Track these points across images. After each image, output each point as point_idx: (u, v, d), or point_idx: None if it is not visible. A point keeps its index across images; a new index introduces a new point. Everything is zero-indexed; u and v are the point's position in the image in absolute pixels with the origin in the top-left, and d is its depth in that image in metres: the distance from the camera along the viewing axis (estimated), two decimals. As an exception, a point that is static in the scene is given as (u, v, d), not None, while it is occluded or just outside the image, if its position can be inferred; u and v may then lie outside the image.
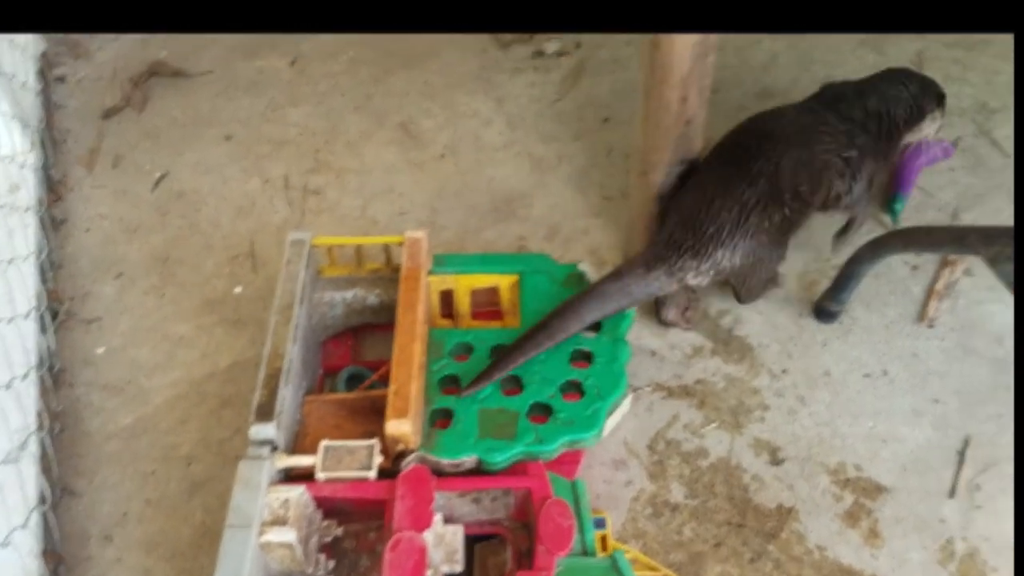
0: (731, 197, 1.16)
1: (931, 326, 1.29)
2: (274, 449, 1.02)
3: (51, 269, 1.41)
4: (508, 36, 1.75)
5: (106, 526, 1.16)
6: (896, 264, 1.37)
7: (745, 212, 1.15)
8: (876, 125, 1.24)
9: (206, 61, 1.77)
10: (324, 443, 1.03)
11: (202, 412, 1.26)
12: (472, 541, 1.05)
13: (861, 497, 1.14)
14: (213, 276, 1.42)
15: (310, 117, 1.66)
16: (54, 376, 1.28)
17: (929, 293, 1.32)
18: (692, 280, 1.18)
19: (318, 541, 1.02)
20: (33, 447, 1.14)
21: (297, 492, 0.98)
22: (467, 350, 1.15)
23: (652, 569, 1.08)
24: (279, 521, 0.96)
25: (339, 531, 1.04)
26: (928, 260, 1.37)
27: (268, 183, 1.55)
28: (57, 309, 1.37)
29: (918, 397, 1.23)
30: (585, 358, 1.14)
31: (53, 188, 1.54)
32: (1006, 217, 1.41)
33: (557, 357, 1.13)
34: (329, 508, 1.04)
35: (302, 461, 1.02)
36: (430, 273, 1.21)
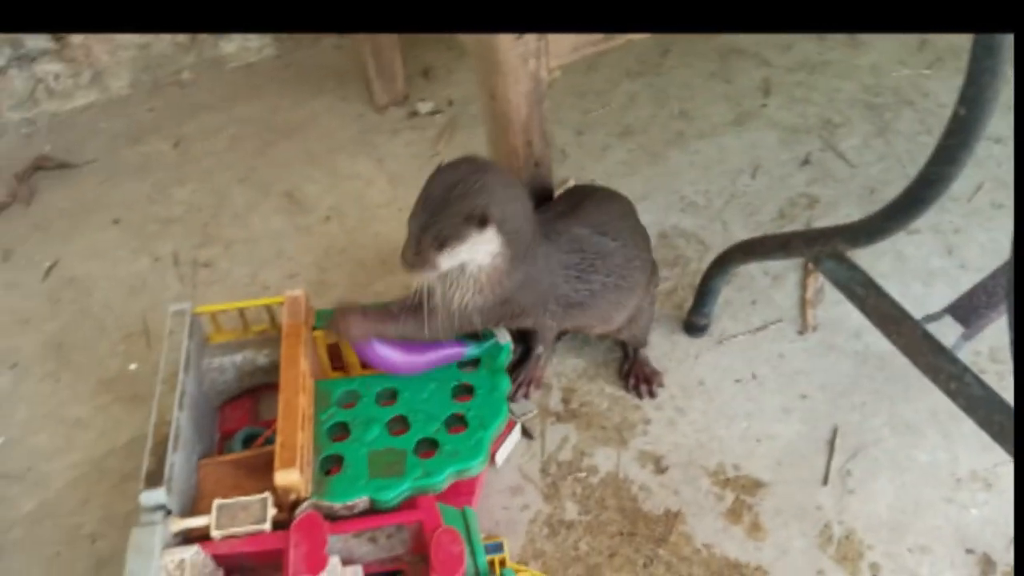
0: None
1: (815, 330, 1.38)
2: (168, 514, 1.05)
3: (-58, 367, 1.41)
4: (383, 99, 1.83)
5: (11, 614, 1.16)
6: (757, 276, 1.47)
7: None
8: None
9: (90, 151, 1.81)
10: (217, 502, 1.06)
11: (104, 489, 1.27)
12: (377, 581, 1.09)
13: (741, 494, 1.21)
14: (107, 356, 1.44)
15: (196, 194, 1.70)
16: (-50, 472, 1.29)
17: (803, 303, 1.42)
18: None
19: (220, 598, 1.05)
20: (-70, 544, 1.14)
21: (192, 552, 1.00)
22: (354, 397, 1.20)
23: (550, 586, 1.13)
24: (176, 582, 0.99)
25: (241, 586, 1.07)
26: (787, 269, 1.47)
27: (158, 261, 1.58)
28: (-50, 406, 1.37)
29: (786, 395, 1.31)
30: (467, 391, 1.20)
31: (-59, 288, 1.55)
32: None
33: (440, 393, 1.19)
34: (230, 565, 1.07)
35: (194, 522, 1.05)
36: (315, 328, 1.26)
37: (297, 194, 1.69)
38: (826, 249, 1.03)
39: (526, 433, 1.29)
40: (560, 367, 1.37)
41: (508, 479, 1.25)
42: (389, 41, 1.76)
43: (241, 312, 1.28)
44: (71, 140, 1.83)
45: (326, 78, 1.93)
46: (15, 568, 1.20)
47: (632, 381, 1.33)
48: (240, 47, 1.98)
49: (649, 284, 1.28)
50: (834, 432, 1.27)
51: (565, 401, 1.33)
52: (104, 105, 1.91)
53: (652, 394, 1.32)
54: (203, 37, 1.94)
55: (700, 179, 1.64)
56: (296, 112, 1.86)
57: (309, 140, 1.80)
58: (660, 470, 1.24)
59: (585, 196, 1.24)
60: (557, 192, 1.31)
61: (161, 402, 1.12)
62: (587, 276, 1.18)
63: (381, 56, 1.77)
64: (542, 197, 1.27)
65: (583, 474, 1.25)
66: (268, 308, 1.28)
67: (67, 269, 1.59)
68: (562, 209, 1.21)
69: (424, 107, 1.84)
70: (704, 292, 1.32)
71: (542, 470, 1.26)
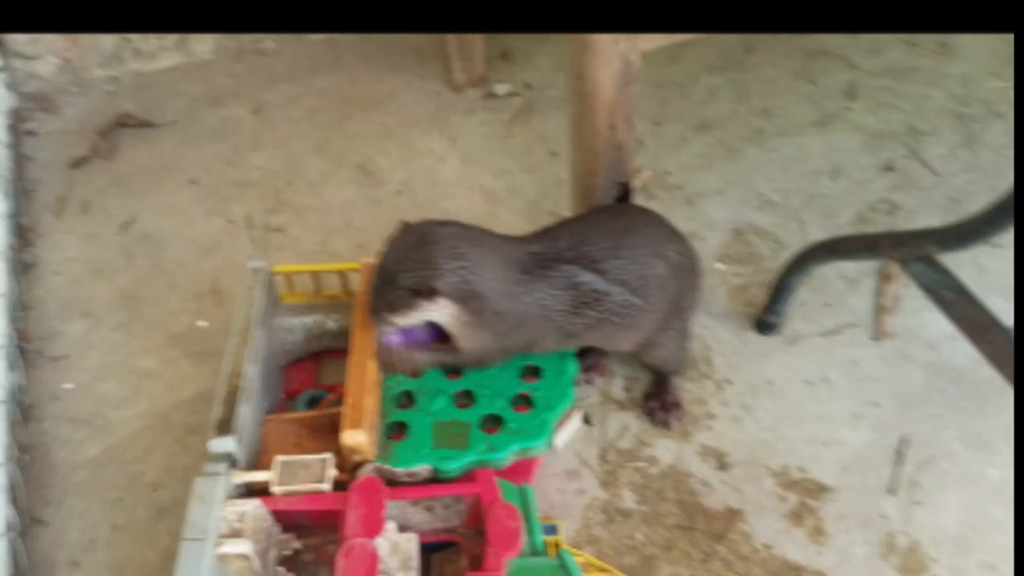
0: None
1: (889, 338, 1.35)
2: (233, 464, 1.06)
3: (21, 310, 1.45)
4: (461, 79, 1.83)
5: (73, 552, 1.18)
6: (832, 279, 1.44)
7: None
8: None
9: (171, 111, 1.84)
10: (279, 458, 1.07)
11: (168, 440, 1.29)
12: (431, 552, 1.09)
13: (805, 497, 1.19)
14: (178, 312, 1.46)
15: (272, 160, 1.72)
16: (23, 411, 1.32)
17: (879, 310, 1.38)
18: None
19: (277, 554, 1.05)
20: (2, 478, 1.17)
21: (253, 505, 1.01)
22: (422, 366, 1.20)
23: (604, 571, 1.12)
24: (235, 534, 0.99)
25: (298, 544, 1.07)
26: (863, 274, 1.44)
27: (232, 223, 1.60)
28: (26, 348, 1.40)
29: (857, 401, 1.28)
30: (534, 373, 1.19)
31: (23, 235, 1.58)
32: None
33: (508, 372, 1.18)
34: (288, 522, 1.07)
35: (257, 476, 1.06)
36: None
37: (370, 167, 1.69)
38: (916, 251, 1.01)
39: (586, 420, 1.28)
40: (625, 356, 1.35)
41: (565, 463, 1.24)
42: (472, 21, 1.76)
43: (315, 275, 1.29)
44: (153, 100, 1.86)
45: (406, 55, 1.94)
46: (78, 509, 1.23)
47: (651, 404, 1.28)
48: (323, 20, 2.00)
49: (668, 322, 1.20)
50: (904, 442, 1.24)
51: (627, 390, 1.32)
52: (186, 68, 1.94)
53: (667, 425, 1.26)
54: (287, 7, 1.96)
55: (778, 177, 1.61)
56: (374, 87, 1.87)
57: (385, 115, 1.80)
58: (723, 466, 1.23)
59: (604, 224, 1.18)
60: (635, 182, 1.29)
61: (234, 354, 1.14)
62: (582, 311, 1.15)
63: (462, 35, 1.77)
64: (619, 183, 1.26)
65: (643, 464, 1.23)
66: (342, 273, 1.29)
67: (143, 225, 1.61)
68: (569, 242, 1.16)
69: (501, 89, 1.83)
70: (780, 289, 1.29)
71: (600, 457, 1.25)
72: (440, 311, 1.10)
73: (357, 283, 1.23)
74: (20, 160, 1.73)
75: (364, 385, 1.09)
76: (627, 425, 1.28)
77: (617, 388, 1.32)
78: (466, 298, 1.09)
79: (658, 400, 1.28)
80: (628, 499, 1.20)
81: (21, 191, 1.65)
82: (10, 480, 1.19)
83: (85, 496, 1.24)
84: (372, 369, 1.13)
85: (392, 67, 1.92)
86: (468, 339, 1.15)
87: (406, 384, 1.17)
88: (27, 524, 1.20)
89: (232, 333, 1.17)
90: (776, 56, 1.86)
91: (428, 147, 1.73)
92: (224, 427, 1.06)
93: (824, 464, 1.22)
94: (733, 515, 1.17)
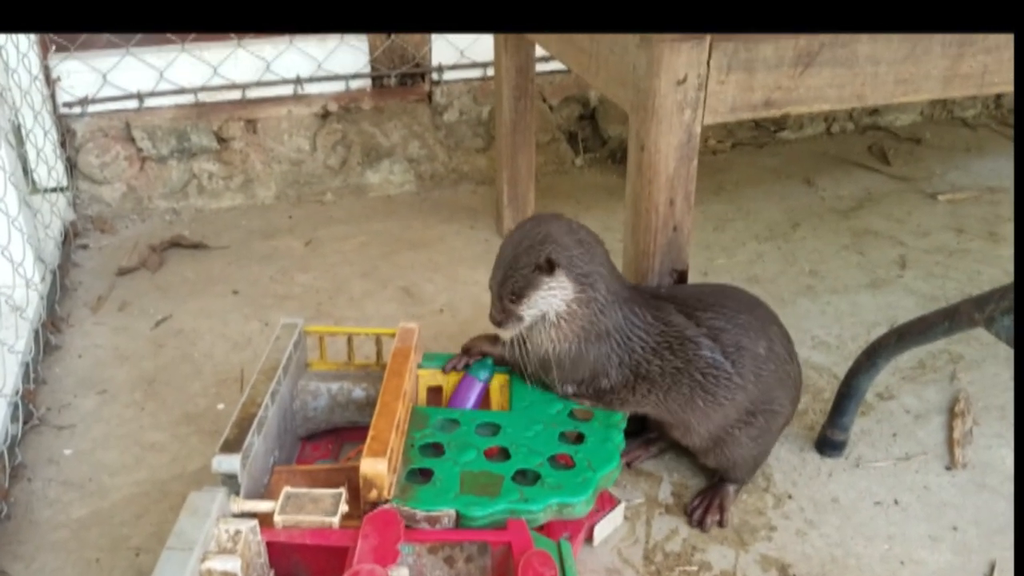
0: None
1: (964, 468, 1.23)
2: (235, 493, 0.94)
3: (33, 383, 1.38)
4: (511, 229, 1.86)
5: (31, 608, 1.03)
6: (898, 412, 1.34)
7: None
8: None
9: (225, 239, 1.87)
10: (286, 489, 0.95)
11: (161, 508, 1.17)
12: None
13: (883, 615, 1.02)
14: (198, 395, 1.39)
15: (317, 280, 1.71)
16: (13, 468, 1.21)
17: (951, 443, 1.27)
18: None
19: (267, 600, 0.90)
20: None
21: (250, 526, 0.89)
22: (453, 424, 1.10)
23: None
24: (226, 552, 0.86)
25: (292, 595, 0.92)
26: (930, 410, 1.34)
27: (268, 326, 1.56)
28: (31, 411, 1.32)
29: (934, 525, 1.14)
30: (577, 439, 1.09)
31: (55, 321, 1.55)
32: (1005, 380, 1.41)
33: (547, 434, 1.08)
34: (284, 567, 0.93)
35: (258, 505, 0.94)
36: (420, 367, 1.20)
37: (414, 290, 1.68)
38: (1002, 304, 0.93)
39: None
40: (674, 463, 1.24)
41: (605, 560, 1.09)
42: (526, 171, 1.82)
43: (349, 339, 1.23)
44: (209, 229, 1.91)
45: (459, 211, 1.99)
46: (49, 567, 1.08)
47: (697, 501, 1.16)
48: (383, 179, 2.08)
49: (754, 416, 1.11)
50: (992, 567, 1.07)
51: (676, 495, 1.19)
52: (247, 209, 2.00)
53: (703, 525, 1.12)
54: (352, 165, 2.05)
55: (832, 325, 1.55)
56: (426, 232, 1.90)
57: (434, 253, 1.82)
58: (785, 577, 1.07)
59: (707, 287, 1.19)
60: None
61: (255, 387, 1.06)
62: (664, 354, 1.08)
63: (516, 185, 1.82)
64: (675, 270, 1.22)
65: (694, 568, 1.08)
66: (377, 341, 1.23)
67: (177, 323, 1.58)
68: (668, 287, 1.18)
69: (550, 239, 1.85)
70: (845, 396, 1.20)
71: (645, 558, 1.09)
72: (559, 289, 1.06)
73: (395, 342, 1.16)
74: (67, 262, 1.74)
75: (390, 421, 1.00)
76: (676, 528, 1.13)
77: (664, 492, 1.19)
78: (581, 278, 1.06)
79: (703, 499, 1.15)
80: (676, 605, 1.03)
81: (61, 287, 1.64)
82: (-18, 519, 1.07)
83: (61, 554, 1.10)
84: (401, 412, 1.03)
85: (445, 219, 1.96)
86: (570, 335, 1.09)
87: (435, 437, 1.06)
88: (-12, 575, 1.06)
89: (256, 372, 1.09)
90: (823, 232, 1.87)
91: (474, 278, 1.72)
92: (232, 446, 0.95)
93: (904, 583, 1.06)
94: (800, 628, 1.00)
